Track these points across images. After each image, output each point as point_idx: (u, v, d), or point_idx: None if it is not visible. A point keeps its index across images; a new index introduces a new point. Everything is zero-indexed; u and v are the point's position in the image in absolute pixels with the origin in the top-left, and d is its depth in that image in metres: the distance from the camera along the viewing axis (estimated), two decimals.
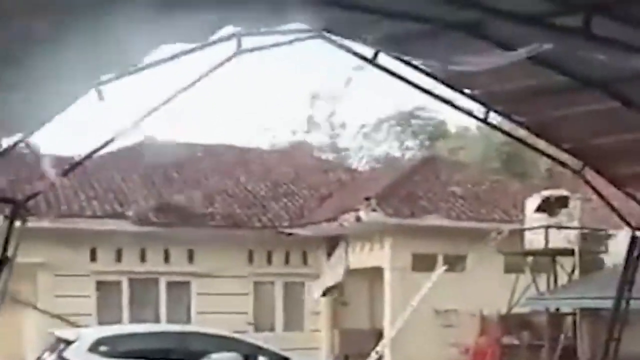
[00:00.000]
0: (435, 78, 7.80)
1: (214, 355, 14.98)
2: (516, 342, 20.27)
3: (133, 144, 21.69)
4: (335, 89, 38.64)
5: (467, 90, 8.20)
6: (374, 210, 20.59)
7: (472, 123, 35.54)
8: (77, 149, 13.32)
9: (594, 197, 13.12)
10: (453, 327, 21.09)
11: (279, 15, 6.20)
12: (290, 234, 22.60)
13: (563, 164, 9.92)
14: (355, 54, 7.33)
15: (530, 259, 20.68)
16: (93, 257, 21.15)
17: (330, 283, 22.25)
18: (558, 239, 19.60)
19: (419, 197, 22.02)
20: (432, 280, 19.91)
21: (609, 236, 19.34)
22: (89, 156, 8.04)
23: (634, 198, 10.09)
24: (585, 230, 19.93)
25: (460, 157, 31.89)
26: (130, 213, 21.19)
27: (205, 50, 6.42)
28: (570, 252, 19.75)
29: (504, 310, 20.32)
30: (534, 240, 19.88)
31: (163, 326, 19.55)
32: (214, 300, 21.64)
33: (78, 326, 18.10)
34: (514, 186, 24.90)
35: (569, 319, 19.84)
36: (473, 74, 7.58)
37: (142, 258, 21.62)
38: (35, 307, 19.74)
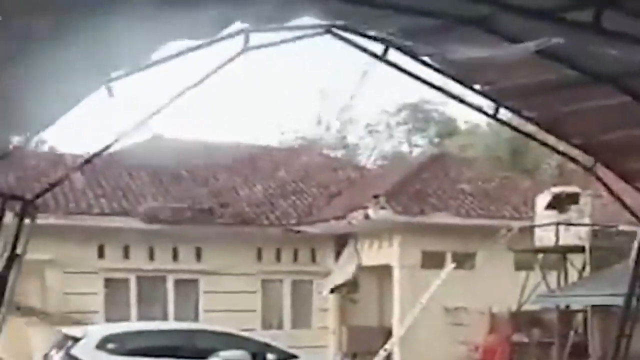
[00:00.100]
0: (444, 74, 7.76)
1: (221, 353, 14.98)
2: (526, 339, 20.21)
3: (141, 141, 21.73)
4: (345, 86, 38.68)
5: (476, 86, 8.16)
6: (382, 208, 20.55)
7: (482, 120, 35.58)
8: (86, 147, 13.36)
9: (605, 193, 13.06)
10: (462, 324, 21.03)
11: (288, 11, 6.17)
12: (298, 232, 22.58)
13: (574, 160, 9.87)
14: (365, 50, 7.28)
15: (540, 256, 20.57)
16: (101, 255, 21.19)
17: (340, 281, 22.22)
18: (568, 236, 19.54)
19: (428, 195, 21.97)
20: (442, 277, 19.89)
21: (619, 232, 19.25)
22: (98, 154, 8.02)
23: None
24: (596, 227, 19.86)
25: (470, 154, 31.79)
26: (140, 210, 21.21)
27: (213, 47, 6.39)
28: (581, 249, 19.68)
29: (514, 308, 20.26)
30: (544, 237, 19.81)
31: (171, 324, 19.60)
32: (222, 298, 21.64)
33: (85, 323, 18.12)
34: (524, 183, 24.80)
35: (580, 316, 19.77)
36: (482, 70, 7.54)
37: (150, 256, 21.63)
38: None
